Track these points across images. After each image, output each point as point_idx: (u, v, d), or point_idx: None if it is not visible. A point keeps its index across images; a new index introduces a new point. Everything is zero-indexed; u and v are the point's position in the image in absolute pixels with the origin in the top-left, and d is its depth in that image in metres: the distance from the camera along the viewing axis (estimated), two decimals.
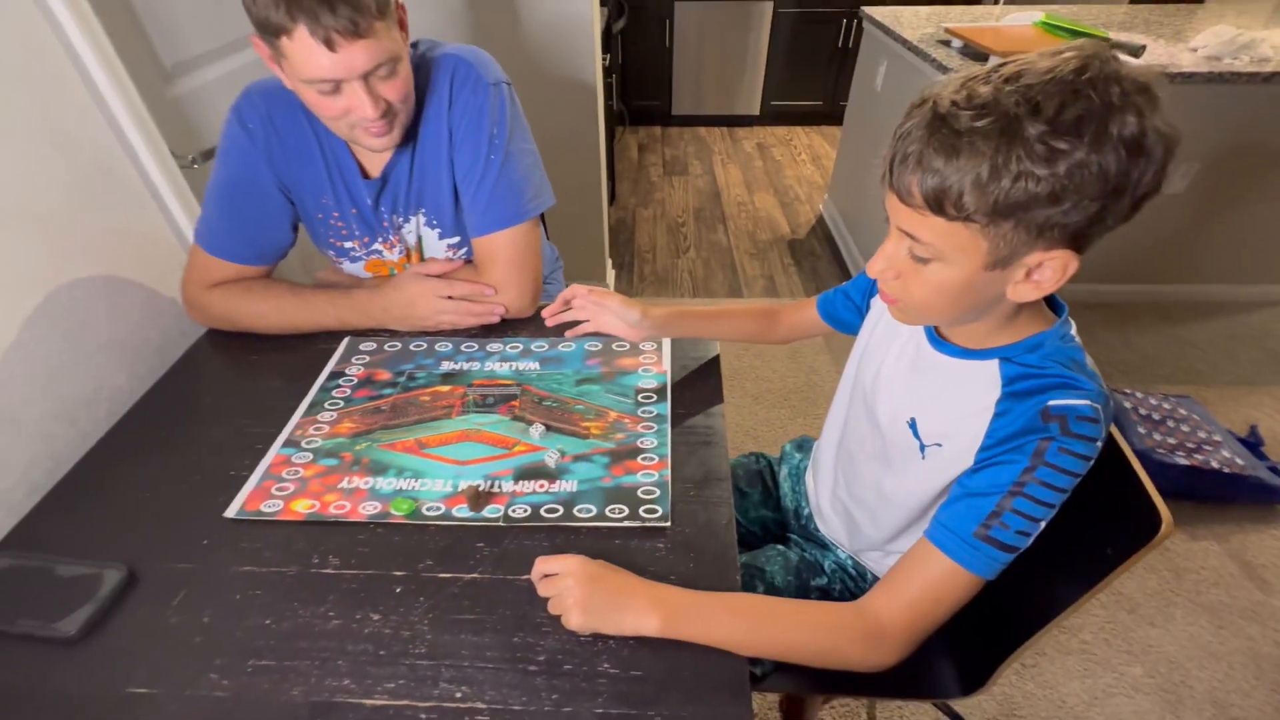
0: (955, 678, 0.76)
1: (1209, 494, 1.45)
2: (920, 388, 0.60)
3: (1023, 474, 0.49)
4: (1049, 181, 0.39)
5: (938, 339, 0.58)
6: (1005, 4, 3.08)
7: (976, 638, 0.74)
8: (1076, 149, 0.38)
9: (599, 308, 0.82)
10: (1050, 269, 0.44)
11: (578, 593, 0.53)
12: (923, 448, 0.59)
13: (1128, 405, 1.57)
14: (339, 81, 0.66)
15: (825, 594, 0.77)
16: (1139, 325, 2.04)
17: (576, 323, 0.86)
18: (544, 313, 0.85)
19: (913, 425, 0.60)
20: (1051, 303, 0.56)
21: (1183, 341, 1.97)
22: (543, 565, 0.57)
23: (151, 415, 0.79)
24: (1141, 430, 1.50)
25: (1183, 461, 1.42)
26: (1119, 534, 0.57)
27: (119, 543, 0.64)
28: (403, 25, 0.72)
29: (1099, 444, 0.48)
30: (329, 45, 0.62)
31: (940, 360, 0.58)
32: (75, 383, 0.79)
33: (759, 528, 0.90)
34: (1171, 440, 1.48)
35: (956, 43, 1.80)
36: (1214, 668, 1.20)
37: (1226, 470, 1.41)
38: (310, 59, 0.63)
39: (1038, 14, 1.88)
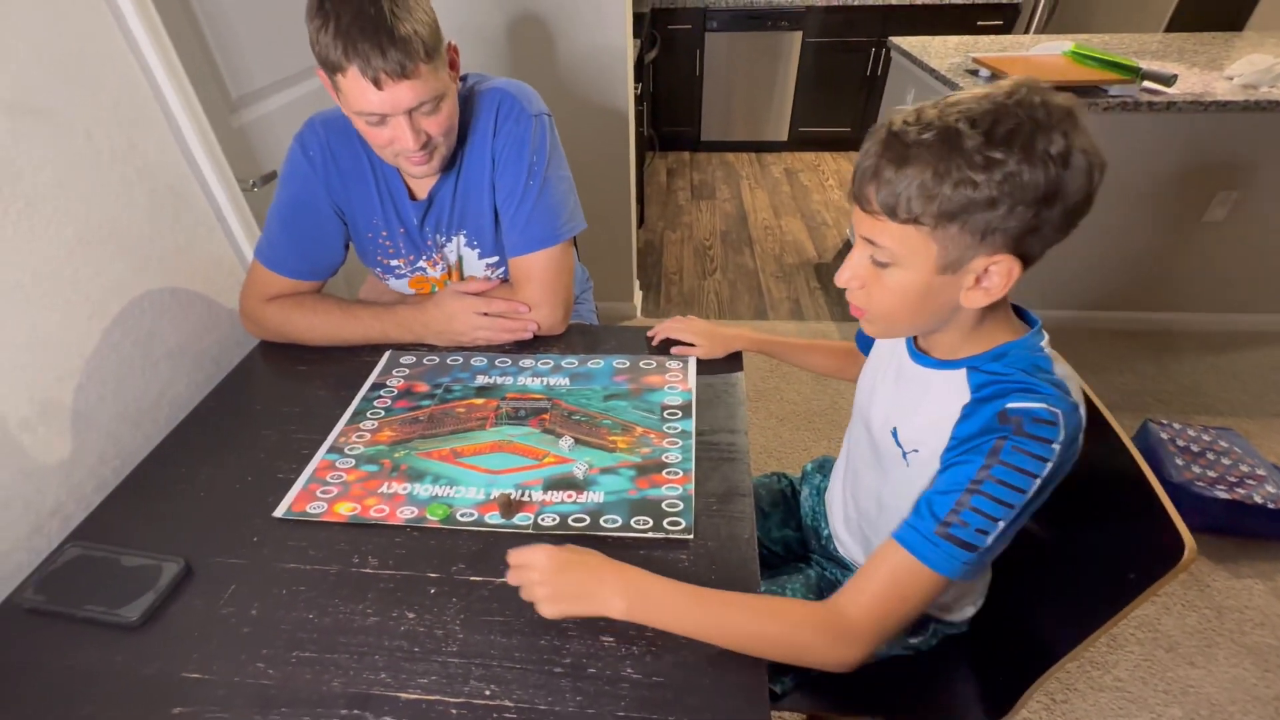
0: (980, 704, 0.75)
1: (1252, 530, 1.40)
2: (901, 398, 0.63)
3: (979, 472, 0.50)
4: (985, 187, 0.44)
5: (916, 352, 0.62)
6: (1035, 34, 3.10)
7: (1001, 663, 0.74)
8: (1009, 159, 0.43)
9: (710, 341, 0.90)
10: (996, 274, 0.48)
11: (546, 583, 0.56)
12: (904, 454, 0.62)
13: (1165, 436, 1.53)
14: (385, 115, 0.72)
15: None
16: (1177, 354, 1.99)
17: (672, 343, 0.93)
18: (653, 332, 0.95)
19: (894, 434, 0.63)
20: (1028, 319, 0.58)
21: (1224, 371, 1.92)
22: (513, 558, 0.58)
23: (208, 420, 0.84)
24: (1179, 462, 1.46)
25: (1224, 496, 1.38)
26: (1142, 561, 0.57)
27: (177, 537, 0.68)
28: (453, 64, 0.78)
29: (1056, 446, 0.48)
30: (377, 84, 0.69)
31: (917, 371, 0.61)
32: (141, 387, 0.85)
33: (781, 548, 0.91)
34: (1211, 473, 1.43)
35: (984, 73, 1.82)
36: (1260, 712, 1.15)
37: (1271, 505, 1.36)
38: (361, 94, 0.70)
39: (1068, 44, 1.89)
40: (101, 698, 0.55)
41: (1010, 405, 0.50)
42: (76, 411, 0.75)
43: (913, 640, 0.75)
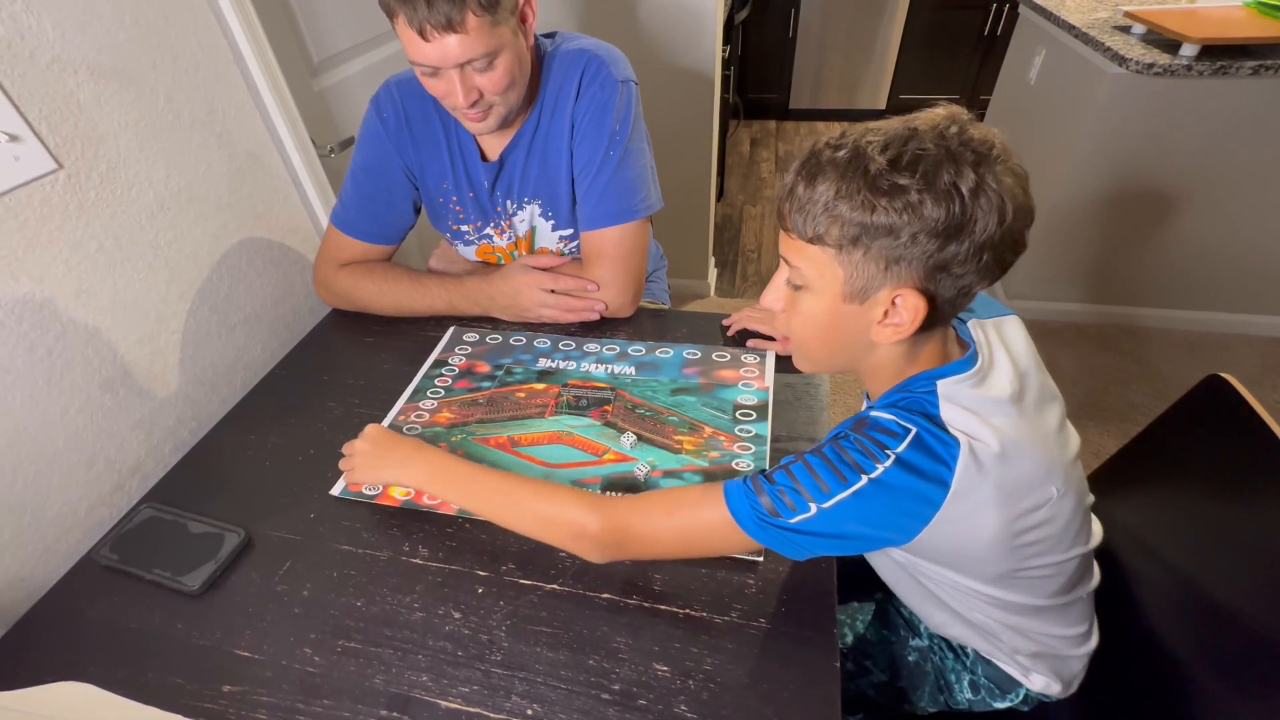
0: None
1: None
2: None
3: (813, 448, 0.50)
4: (885, 213, 0.42)
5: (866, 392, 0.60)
6: None
7: None
8: (911, 188, 0.41)
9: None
10: (904, 309, 0.46)
11: (363, 456, 0.65)
12: None
13: None
14: (436, 68, 0.69)
15: (923, 657, 0.69)
16: None
17: (749, 334, 0.86)
18: (729, 321, 0.88)
19: None
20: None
21: None
22: (345, 448, 0.69)
23: (277, 388, 0.85)
24: None
25: None
26: None
27: (240, 506, 0.69)
28: (524, 19, 0.72)
29: (890, 455, 0.46)
30: (422, 35, 0.65)
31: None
32: (218, 352, 0.86)
33: (862, 572, 0.82)
34: None
35: (1138, 28, 1.56)
36: None
37: None
38: (411, 44, 0.67)
39: None
40: (161, 665, 0.56)
41: (871, 413, 0.50)
42: (155, 374, 0.77)
43: (997, 705, 0.65)
